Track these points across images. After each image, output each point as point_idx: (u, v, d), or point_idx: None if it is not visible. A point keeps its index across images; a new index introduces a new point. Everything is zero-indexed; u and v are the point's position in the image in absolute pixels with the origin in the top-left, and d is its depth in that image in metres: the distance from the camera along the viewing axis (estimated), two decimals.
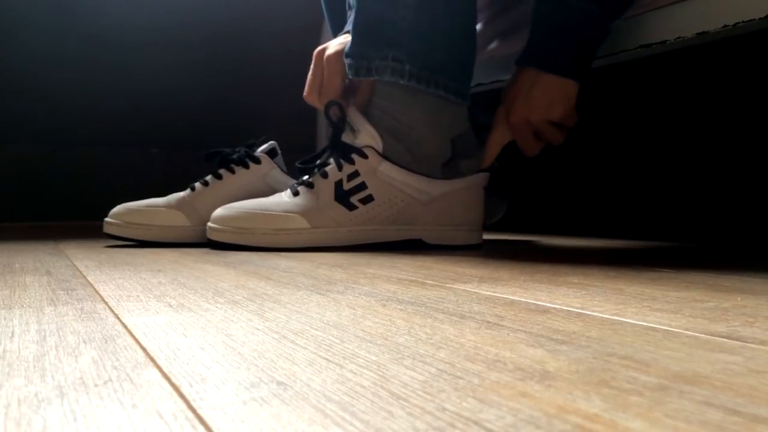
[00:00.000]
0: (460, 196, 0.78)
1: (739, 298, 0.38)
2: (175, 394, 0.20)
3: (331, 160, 0.77)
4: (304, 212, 0.74)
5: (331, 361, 0.24)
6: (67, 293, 0.41)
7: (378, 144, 0.75)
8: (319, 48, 0.83)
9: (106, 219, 0.80)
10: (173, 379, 0.21)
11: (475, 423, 0.17)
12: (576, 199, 1.33)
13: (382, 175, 0.75)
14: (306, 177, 0.78)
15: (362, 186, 0.75)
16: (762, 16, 0.63)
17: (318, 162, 0.79)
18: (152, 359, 0.24)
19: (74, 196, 1.37)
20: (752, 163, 1.21)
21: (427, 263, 0.58)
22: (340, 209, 0.74)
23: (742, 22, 0.65)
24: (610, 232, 1.12)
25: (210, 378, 0.22)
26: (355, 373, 0.22)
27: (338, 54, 0.79)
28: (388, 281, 0.46)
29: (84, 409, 0.19)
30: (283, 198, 0.76)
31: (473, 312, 0.34)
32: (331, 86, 0.80)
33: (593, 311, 0.34)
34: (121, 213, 0.80)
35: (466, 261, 0.60)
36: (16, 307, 0.36)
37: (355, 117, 0.76)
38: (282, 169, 0.86)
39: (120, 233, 0.79)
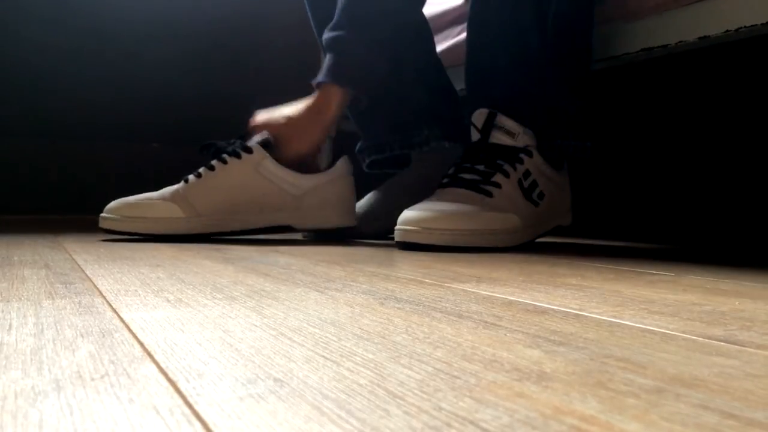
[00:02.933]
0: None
1: (737, 302, 0.38)
2: (171, 390, 0.20)
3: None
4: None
5: (328, 359, 0.24)
6: (66, 287, 0.41)
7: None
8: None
9: (102, 214, 0.81)
10: (170, 375, 0.21)
11: (472, 423, 0.17)
12: (575, 200, 1.32)
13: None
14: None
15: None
16: (764, 21, 0.63)
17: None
18: (149, 354, 0.24)
19: (74, 189, 1.37)
20: (752, 166, 1.21)
21: (425, 262, 0.58)
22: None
23: (744, 27, 0.65)
24: (609, 233, 1.12)
25: (207, 374, 0.22)
26: (352, 371, 0.22)
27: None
28: (386, 279, 0.46)
29: (80, 402, 0.19)
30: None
31: (471, 312, 0.34)
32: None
33: (591, 313, 0.34)
34: (116, 207, 0.81)
35: (464, 261, 0.60)
36: (14, 299, 0.36)
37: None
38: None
39: (116, 227, 0.80)
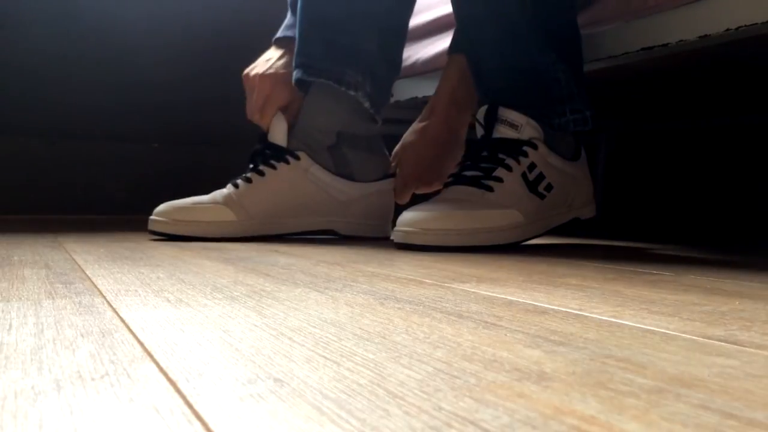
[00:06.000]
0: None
1: (737, 302, 0.38)
2: (172, 389, 0.20)
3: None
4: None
5: (328, 359, 0.24)
6: (66, 287, 0.41)
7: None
8: (246, 71, 0.93)
9: (152, 217, 0.82)
10: (170, 374, 0.21)
11: (472, 423, 0.17)
12: None
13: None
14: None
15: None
16: (764, 20, 0.63)
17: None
18: (150, 354, 0.24)
19: (74, 189, 1.37)
20: (752, 166, 1.21)
21: (425, 262, 0.58)
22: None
23: (745, 26, 0.65)
24: (609, 232, 1.12)
25: (207, 374, 0.22)
26: (352, 371, 0.22)
27: (267, 76, 0.90)
28: (386, 280, 0.46)
29: (80, 402, 0.19)
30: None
31: (471, 312, 0.34)
32: (272, 102, 0.89)
33: (591, 313, 0.34)
34: (167, 211, 0.82)
35: (464, 261, 0.60)
36: (14, 299, 0.36)
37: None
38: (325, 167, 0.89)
39: (167, 230, 0.81)
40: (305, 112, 0.89)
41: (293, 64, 0.88)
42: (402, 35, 0.95)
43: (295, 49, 0.89)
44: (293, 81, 0.88)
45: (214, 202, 0.84)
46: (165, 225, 0.81)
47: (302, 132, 0.89)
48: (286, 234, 0.88)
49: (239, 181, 0.86)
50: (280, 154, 0.87)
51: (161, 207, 0.83)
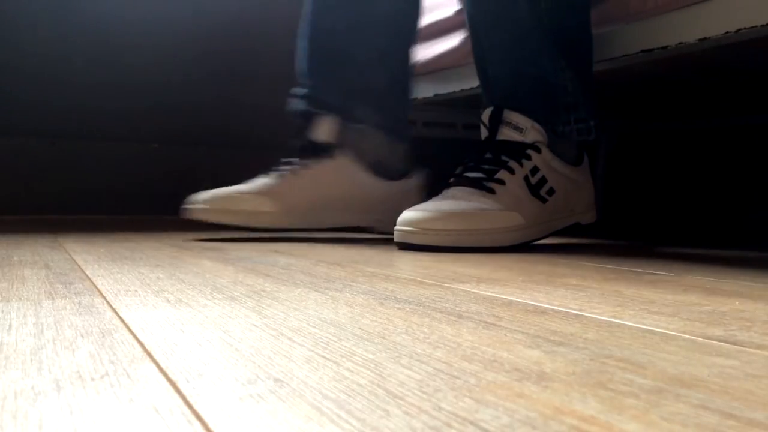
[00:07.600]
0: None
1: (737, 303, 0.38)
2: (171, 390, 0.20)
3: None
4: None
5: (328, 359, 0.24)
6: (65, 287, 0.41)
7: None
8: None
9: (193, 205, 0.83)
10: (170, 375, 0.21)
11: (471, 423, 0.17)
12: None
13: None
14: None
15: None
16: (764, 22, 0.63)
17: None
18: (149, 354, 0.24)
19: (74, 189, 1.37)
20: (751, 166, 1.21)
21: (425, 263, 0.58)
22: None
23: (744, 28, 0.65)
24: (609, 232, 1.12)
25: (207, 374, 0.22)
26: (351, 371, 0.22)
27: None
28: (386, 280, 0.46)
29: (80, 402, 0.19)
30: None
31: (471, 312, 0.34)
32: None
33: (591, 313, 0.34)
34: (207, 199, 0.83)
35: (464, 261, 0.60)
36: (13, 299, 0.36)
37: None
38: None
39: (205, 218, 0.83)
40: (350, 138, 0.90)
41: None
42: (407, 64, 0.97)
43: (298, 73, 0.91)
44: (292, 110, 0.90)
45: (253, 192, 0.85)
46: (206, 213, 0.83)
47: (350, 141, 0.90)
48: (322, 228, 0.90)
49: (283, 171, 0.87)
50: (326, 149, 0.88)
51: (203, 194, 0.84)
